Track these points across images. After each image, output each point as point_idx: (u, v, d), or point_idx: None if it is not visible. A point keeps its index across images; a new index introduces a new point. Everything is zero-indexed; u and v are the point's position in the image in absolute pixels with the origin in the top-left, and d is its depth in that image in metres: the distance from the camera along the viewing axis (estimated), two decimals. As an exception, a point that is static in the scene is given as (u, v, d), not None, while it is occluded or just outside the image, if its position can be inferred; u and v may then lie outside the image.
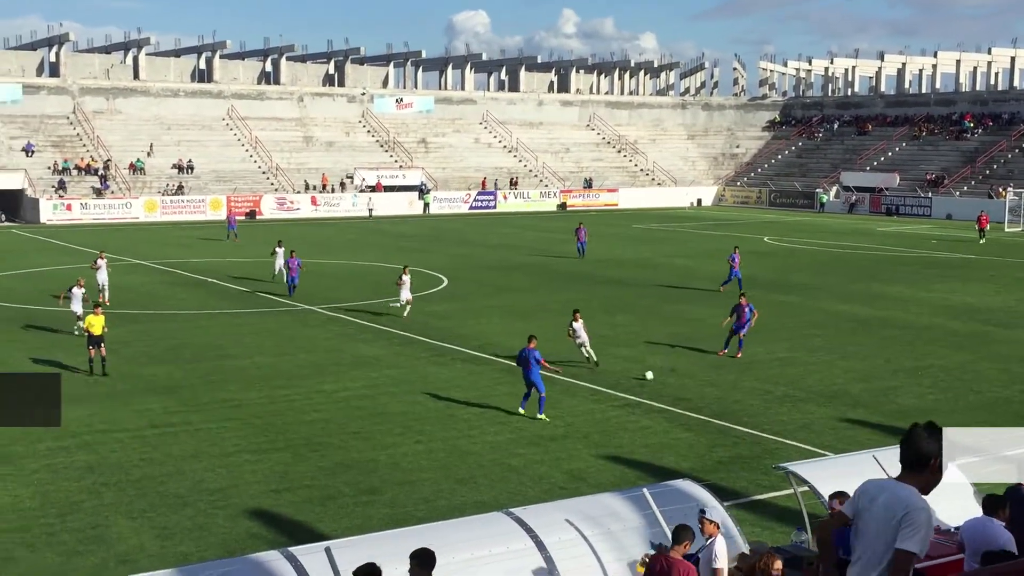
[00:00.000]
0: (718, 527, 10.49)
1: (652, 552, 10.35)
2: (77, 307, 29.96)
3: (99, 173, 76.63)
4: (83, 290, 30.41)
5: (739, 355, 27.83)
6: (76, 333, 29.32)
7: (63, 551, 14.83)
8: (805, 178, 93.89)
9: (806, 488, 12.41)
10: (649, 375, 24.95)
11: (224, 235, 60.11)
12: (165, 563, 13.87)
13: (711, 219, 79.21)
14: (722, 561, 10.32)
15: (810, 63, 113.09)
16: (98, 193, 74.76)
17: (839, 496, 10.87)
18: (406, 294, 33.77)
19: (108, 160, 77.98)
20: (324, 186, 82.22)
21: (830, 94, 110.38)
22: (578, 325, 26.07)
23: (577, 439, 20.44)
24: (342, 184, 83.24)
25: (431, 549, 9.28)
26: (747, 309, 28.15)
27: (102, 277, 35.86)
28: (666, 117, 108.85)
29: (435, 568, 9.19)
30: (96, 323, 25.48)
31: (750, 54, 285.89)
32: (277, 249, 41.33)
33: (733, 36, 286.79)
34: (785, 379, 25.55)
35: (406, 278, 33.88)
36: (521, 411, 21.96)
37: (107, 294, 35.34)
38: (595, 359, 26.27)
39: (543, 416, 21.61)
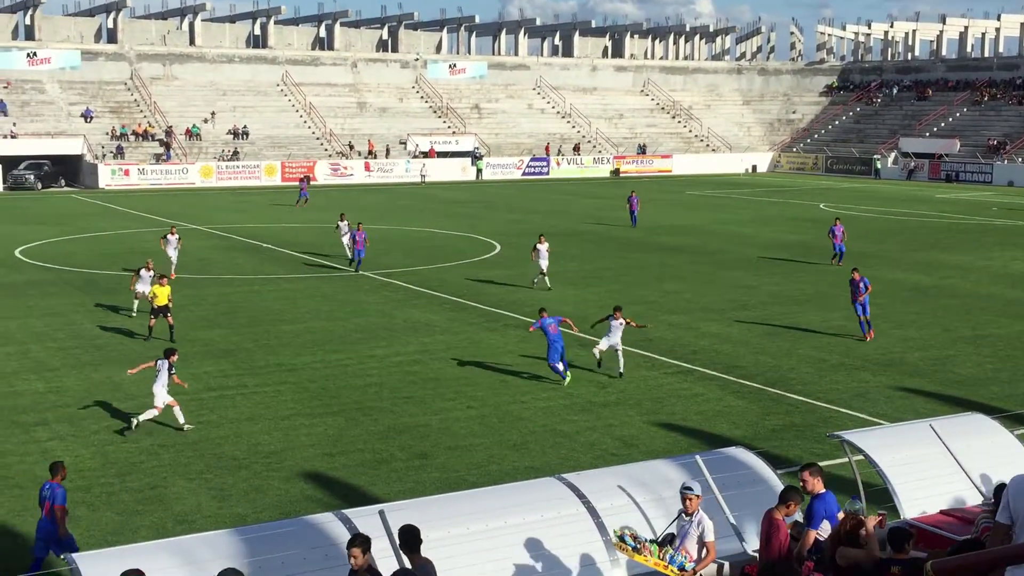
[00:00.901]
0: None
1: (627, 528, 10.15)
2: (144, 288, 27.90)
3: (162, 141, 77.34)
4: (151, 272, 28.13)
5: (870, 336, 25.90)
6: (133, 316, 28.21)
7: (122, 510, 15.11)
8: (863, 144, 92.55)
9: (861, 457, 12.31)
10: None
11: (295, 200, 60.19)
12: (222, 524, 14.09)
13: (766, 185, 78.43)
14: (711, 534, 10.20)
15: (869, 27, 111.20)
16: (160, 160, 75.47)
17: (808, 468, 10.65)
18: (544, 263, 32.77)
19: (169, 128, 78.71)
20: (370, 151, 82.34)
21: (889, 58, 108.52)
22: (616, 323, 22.55)
23: (629, 406, 20.42)
24: (387, 150, 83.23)
25: (415, 526, 9.26)
26: (861, 284, 26.08)
27: (172, 253, 34.80)
28: (721, 82, 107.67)
29: (423, 544, 9.20)
30: (161, 293, 25.66)
31: (808, 18, 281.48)
32: (340, 223, 39.50)
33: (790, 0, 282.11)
34: (840, 347, 25.30)
35: (541, 247, 32.81)
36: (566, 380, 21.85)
37: (173, 267, 34.34)
38: (622, 370, 22.49)
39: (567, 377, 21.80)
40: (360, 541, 8.95)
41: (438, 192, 70.59)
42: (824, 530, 10.37)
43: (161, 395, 18.56)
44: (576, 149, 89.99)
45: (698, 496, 10.16)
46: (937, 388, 21.71)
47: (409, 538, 9.20)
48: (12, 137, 73.37)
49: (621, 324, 22.47)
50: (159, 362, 18.85)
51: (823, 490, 10.53)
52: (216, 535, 10.05)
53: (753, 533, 10.91)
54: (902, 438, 12.78)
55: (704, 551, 10.16)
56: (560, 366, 21.81)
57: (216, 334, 26.46)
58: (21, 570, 13.09)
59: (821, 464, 16.82)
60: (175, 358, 19.05)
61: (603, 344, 22.53)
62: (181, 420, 18.64)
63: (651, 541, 10.08)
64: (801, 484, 10.59)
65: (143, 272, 28.41)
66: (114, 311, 29.25)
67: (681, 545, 10.08)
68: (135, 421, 18.59)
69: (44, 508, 12.98)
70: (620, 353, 22.47)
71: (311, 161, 78.89)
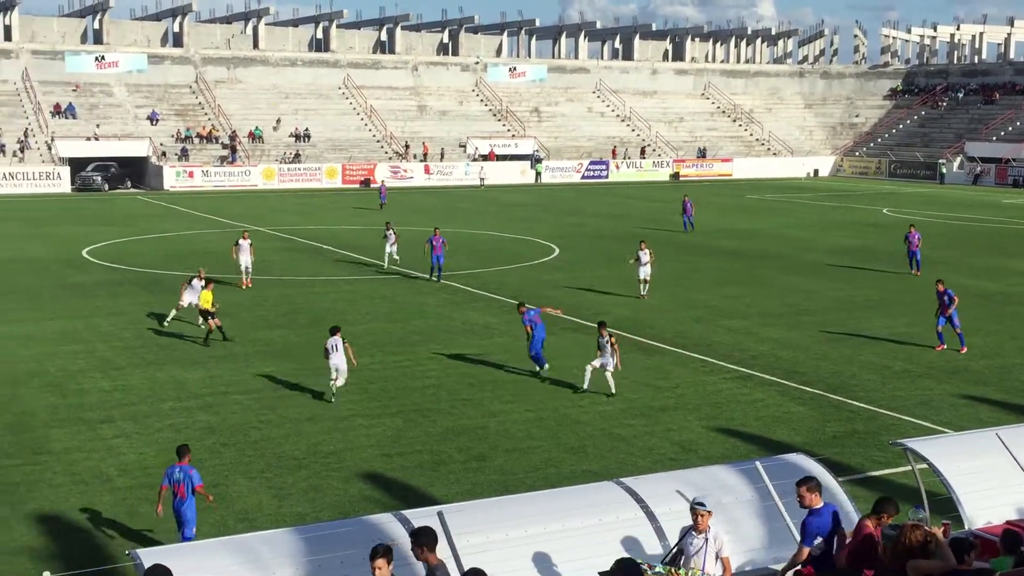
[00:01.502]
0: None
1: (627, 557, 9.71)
2: (191, 298, 27.09)
3: (224, 144, 78.29)
4: (203, 282, 26.99)
5: (963, 350, 24.96)
6: (165, 325, 27.37)
7: (185, 508, 15.29)
8: (927, 148, 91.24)
9: (925, 465, 12.13)
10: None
11: (376, 204, 59.68)
12: (281, 522, 14.24)
13: (828, 190, 77.60)
14: (728, 548, 9.83)
15: (935, 29, 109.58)
16: (224, 162, 76.41)
17: (805, 483, 10.23)
18: (646, 271, 31.98)
19: (234, 132, 79.64)
20: (424, 154, 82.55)
21: (955, 62, 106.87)
22: (603, 341, 21.25)
23: (687, 411, 20.31)
24: (442, 153, 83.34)
25: (430, 527, 9.11)
26: (945, 296, 25.13)
27: (245, 259, 33.22)
28: (783, 86, 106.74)
29: (438, 545, 9.03)
30: (206, 298, 25.83)
31: (872, 21, 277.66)
32: (388, 232, 37.54)
33: (854, 2, 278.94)
34: (903, 354, 24.95)
35: (643, 254, 32.15)
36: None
37: (250, 277, 33.34)
38: (612, 391, 21.07)
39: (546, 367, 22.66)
40: (384, 551, 8.73)
41: (497, 195, 70.71)
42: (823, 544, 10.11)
43: (343, 364, 20.67)
44: (642, 153, 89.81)
45: (709, 512, 9.82)
46: (1003, 396, 21.34)
47: (426, 539, 9.03)
48: (95, 139, 74.74)
49: (607, 340, 21.11)
50: (329, 341, 20.76)
51: (820, 504, 10.22)
52: (276, 533, 10.15)
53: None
54: (967, 447, 12.58)
55: (721, 567, 9.81)
56: (541, 358, 22.63)
57: (277, 335, 26.74)
58: (92, 564, 13.34)
59: (882, 472, 16.66)
60: (340, 333, 20.86)
61: (596, 362, 21.17)
62: (339, 385, 20.81)
63: (667, 564, 9.73)
64: (798, 499, 10.24)
65: (195, 282, 27.29)
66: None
67: (703, 564, 9.73)
68: (332, 397, 20.54)
69: (177, 490, 13.52)
70: (610, 375, 21.03)
71: (371, 163, 79.45)
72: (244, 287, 32.91)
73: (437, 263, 34.56)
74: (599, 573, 9.21)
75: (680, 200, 51.39)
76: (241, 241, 33.87)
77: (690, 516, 9.95)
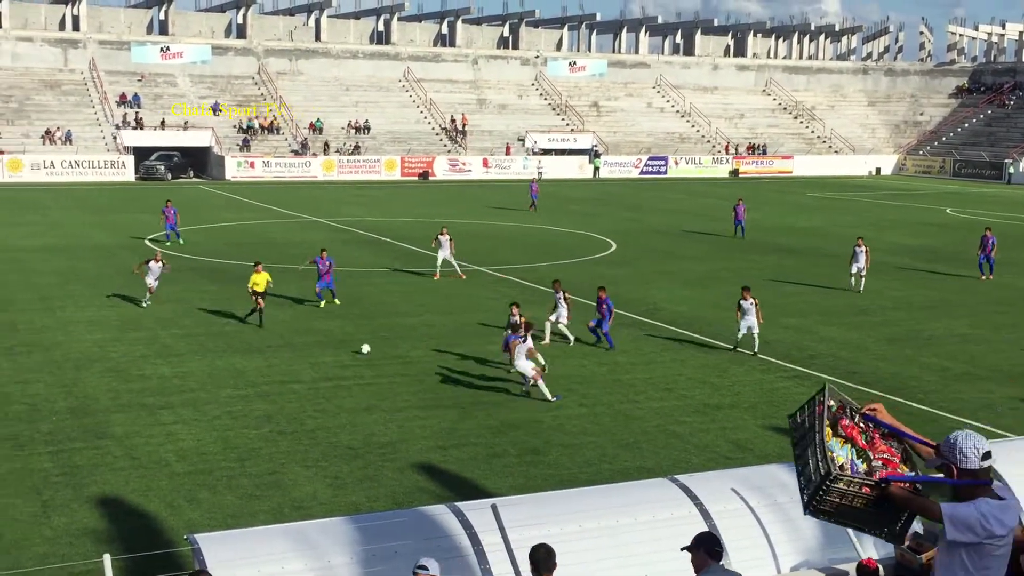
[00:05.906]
0: None
1: None
2: (152, 279, 29.06)
3: (298, 151, 78.62)
4: (160, 264, 29.22)
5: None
6: (144, 306, 28.78)
7: (242, 494, 15.48)
8: (993, 148, 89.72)
9: (985, 470, 11.93)
10: (365, 349, 23.72)
11: (528, 204, 57.24)
12: (336, 511, 14.33)
13: (890, 188, 76.54)
14: None
15: (1003, 27, 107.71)
16: (296, 154, 77.07)
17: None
18: (857, 265, 32.37)
19: (308, 126, 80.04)
20: (464, 125, 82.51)
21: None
22: (748, 304, 24.22)
23: (744, 409, 20.17)
24: (450, 138, 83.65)
25: (549, 546, 8.58)
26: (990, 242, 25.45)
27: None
28: (846, 83, 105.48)
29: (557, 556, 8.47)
30: (259, 280, 26.69)
31: (938, 17, 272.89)
32: (440, 237, 34.42)
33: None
34: (965, 356, 24.57)
35: (859, 250, 32.19)
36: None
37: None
38: (756, 349, 24.20)
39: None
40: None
41: (555, 190, 70.62)
42: None
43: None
44: (754, 148, 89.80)
45: None
46: (1067, 402, 20.93)
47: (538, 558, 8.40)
48: (160, 128, 75.99)
49: (752, 304, 24.25)
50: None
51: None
52: (332, 522, 10.21)
53: (869, 540, 10.68)
54: (1030, 452, 12.35)
55: None
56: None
57: (334, 324, 26.94)
58: (150, 548, 13.54)
59: (942, 476, 16.40)
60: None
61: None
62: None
63: None
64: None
65: (152, 264, 29.15)
66: (233, 300, 29.96)
67: None
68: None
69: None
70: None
71: (430, 156, 79.75)
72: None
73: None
74: (681, 548, 8.66)
75: (734, 201, 50.77)
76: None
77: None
